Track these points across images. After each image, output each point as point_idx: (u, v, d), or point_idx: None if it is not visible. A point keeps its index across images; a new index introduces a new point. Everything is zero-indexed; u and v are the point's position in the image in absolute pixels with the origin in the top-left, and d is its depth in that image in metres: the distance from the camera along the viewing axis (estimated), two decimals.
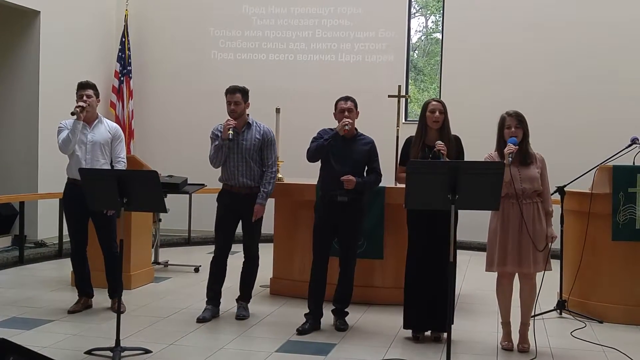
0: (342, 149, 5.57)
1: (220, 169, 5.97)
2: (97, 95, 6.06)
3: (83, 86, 5.98)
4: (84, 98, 5.90)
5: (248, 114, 6.00)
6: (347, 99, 5.67)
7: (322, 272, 5.67)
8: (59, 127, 6.00)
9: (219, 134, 5.84)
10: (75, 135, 5.85)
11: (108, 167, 6.00)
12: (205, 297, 6.05)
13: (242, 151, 5.86)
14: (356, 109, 5.68)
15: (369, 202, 6.36)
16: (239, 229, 6.03)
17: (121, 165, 6.07)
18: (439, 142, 5.22)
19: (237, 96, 5.86)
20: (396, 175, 5.67)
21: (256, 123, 5.98)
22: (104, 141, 6.01)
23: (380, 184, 6.33)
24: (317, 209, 5.75)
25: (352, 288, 5.76)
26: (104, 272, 6.11)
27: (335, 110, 5.70)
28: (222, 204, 6.02)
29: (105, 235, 5.99)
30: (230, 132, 5.72)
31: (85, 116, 5.90)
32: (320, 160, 5.69)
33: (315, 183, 5.85)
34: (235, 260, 6.12)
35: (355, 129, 5.69)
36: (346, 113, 5.58)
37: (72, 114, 5.82)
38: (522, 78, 10.15)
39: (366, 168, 5.71)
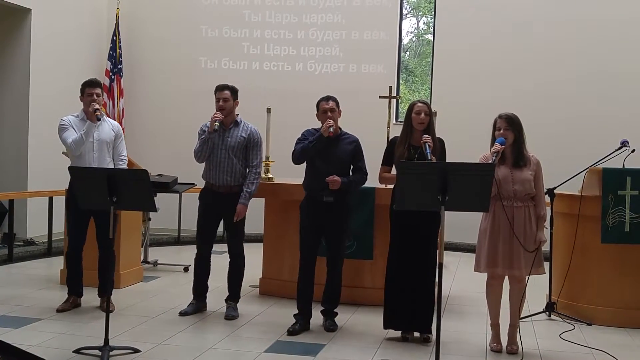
0: (327, 149, 5.54)
1: (204, 165, 5.99)
2: (103, 93, 6.07)
3: (92, 84, 5.97)
4: (94, 97, 5.89)
5: (237, 114, 6.01)
6: (328, 98, 5.64)
7: (310, 273, 5.66)
8: (61, 124, 5.96)
9: (206, 129, 5.87)
10: (89, 137, 5.86)
11: (113, 165, 6.00)
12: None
13: (227, 148, 5.88)
14: (338, 108, 5.65)
15: (359, 203, 6.37)
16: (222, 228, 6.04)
17: (123, 163, 6.08)
18: (426, 135, 5.25)
19: (226, 93, 5.90)
20: (379, 175, 5.64)
21: (244, 123, 6.01)
22: (109, 139, 6.02)
23: (371, 185, 6.35)
24: (302, 209, 5.73)
25: (340, 288, 5.76)
26: (93, 272, 6.09)
27: (317, 110, 5.67)
28: (203, 203, 6.05)
29: (106, 234, 5.94)
30: (217, 123, 5.75)
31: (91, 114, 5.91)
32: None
33: None
34: (223, 260, 6.11)
35: (339, 128, 5.67)
36: (329, 113, 5.56)
37: (98, 119, 5.83)
38: (513, 79, 10.18)
39: (351, 167, 5.70)
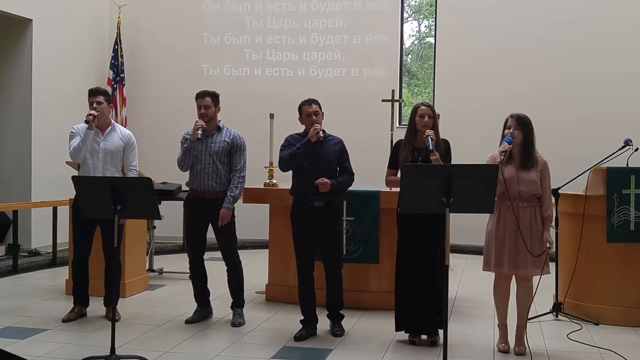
0: (313, 152, 5.50)
1: (188, 173, 6.01)
2: (108, 101, 6.05)
3: (93, 93, 5.97)
4: (94, 105, 5.89)
5: (220, 120, 6.01)
6: (311, 102, 5.62)
7: (309, 279, 5.64)
8: (71, 132, 5.99)
9: (188, 137, 5.86)
10: (86, 144, 5.85)
11: (119, 174, 5.99)
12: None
13: (211, 153, 5.87)
14: (321, 110, 5.63)
15: (364, 207, 6.37)
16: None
17: (133, 173, 6.07)
18: (429, 130, 5.26)
19: (207, 100, 5.90)
20: (386, 179, 5.64)
21: (227, 128, 6.01)
22: (116, 149, 6.01)
23: (376, 189, 6.34)
24: (293, 216, 5.68)
25: (342, 290, 5.72)
26: (98, 280, 6.09)
27: (300, 115, 5.64)
28: (189, 209, 6.08)
29: (111, 243, 5.94)
30: (199, 132, 5.74)
31: (98, 123, 5.90)
32: None
33: None
34: (224, 267, 6.09)
35: (323, 130, 5.60)
36: (313, 117, 5.54)
37: (86, 121, 5.80)
38: (515, 81, 10.15)
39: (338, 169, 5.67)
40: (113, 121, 6.15)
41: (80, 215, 5.91)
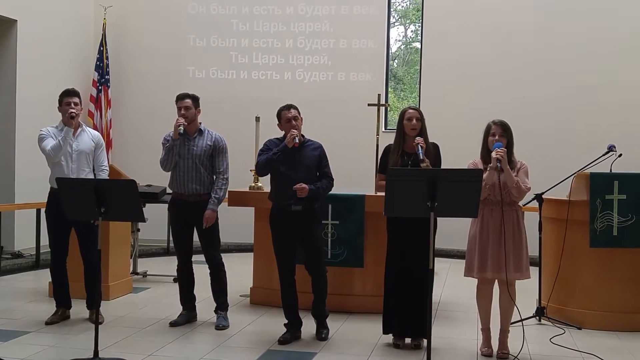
0: (292, 157, 5.48)
1: (170, 174, 6.01)
2: (81, 102, 6.04)
3: (70, 94, 5.95)
4: (72, 106, 5.86)
5: (200, 122, 6.01)
6: (289, 107, 5.60)
7: (291, 284, 5.61)
8: (41, 135, 5.95)
9: (169, 139, 5.88)
10: (67, 142, 5.82)
11: (92, 176, 5.96)
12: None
13: (193, 157, 5.87)
14: (300, 116, 5.61)
15: (350, 211, 6.37)
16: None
17: (104, 173, 6.05)
18: (419, 137, 5.27)
19: (187, 101, 5.90)
20: (376, 184, 5.66)
21: (208, 131, 6.01)
22: (89, 150, 5.99)
23: (361, 192, 6.35)
24: (272, 222, 5.65)
25: (326, 291, 5.68)
26: (82, 283, 6.06)
27: (279, 120, 5.62)
28: (173, 212, 6.07)
29: (88, 244, 5.91)
30: (180, 127, 5.74)
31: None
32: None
33: None
34: (207, 270, 6.09)
35: (302, 135, 5.59)
36: (292, 122, 5.53)
37: (71, 117, 5.79)
38: (500, 86, 10.23)
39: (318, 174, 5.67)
40: (82, 123, 6.10)
41: (53, 217, 5.90)
